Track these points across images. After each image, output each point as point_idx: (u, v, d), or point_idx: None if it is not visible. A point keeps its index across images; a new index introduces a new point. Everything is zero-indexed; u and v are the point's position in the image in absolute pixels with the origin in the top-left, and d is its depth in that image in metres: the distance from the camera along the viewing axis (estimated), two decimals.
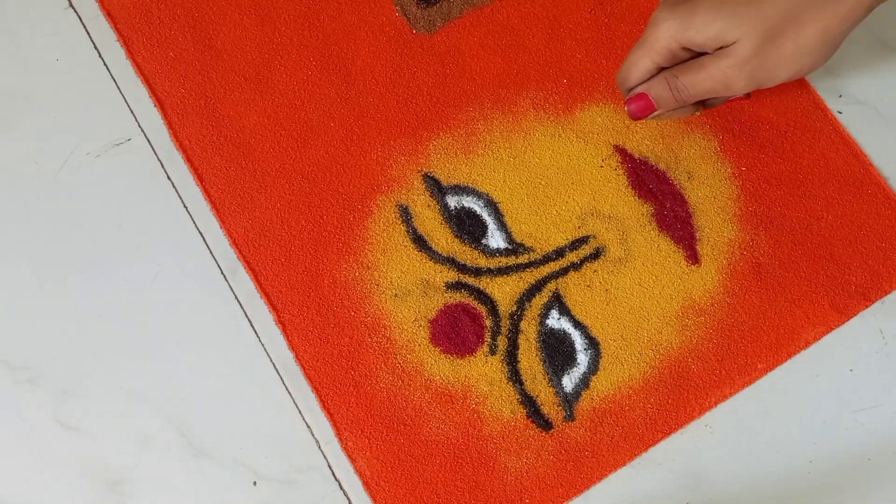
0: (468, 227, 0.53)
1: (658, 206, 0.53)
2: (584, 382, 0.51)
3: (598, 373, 0.51)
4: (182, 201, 0.53)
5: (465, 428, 0.50)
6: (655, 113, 0.47)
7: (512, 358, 0.51)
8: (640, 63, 0.46)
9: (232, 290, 0.52)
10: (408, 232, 0.53)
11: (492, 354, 0.51)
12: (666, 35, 0.44)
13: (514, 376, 0.51)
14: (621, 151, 0.54)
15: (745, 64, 0.43)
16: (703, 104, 0.48)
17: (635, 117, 0.48)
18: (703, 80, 0.44)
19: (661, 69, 0.46)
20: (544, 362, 0.51)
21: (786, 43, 0.42)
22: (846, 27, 0.42)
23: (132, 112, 0.54)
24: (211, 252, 0.52)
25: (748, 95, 0.48)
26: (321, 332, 0.51)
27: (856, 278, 0.53)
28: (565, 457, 0.50)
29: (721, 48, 0.43)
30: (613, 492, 0.50)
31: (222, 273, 0.52)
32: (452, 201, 0.53)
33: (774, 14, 0.42)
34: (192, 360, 0.51)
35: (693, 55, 0.45)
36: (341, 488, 0.49)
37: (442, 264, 0.52)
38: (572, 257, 0.53)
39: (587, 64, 0.56)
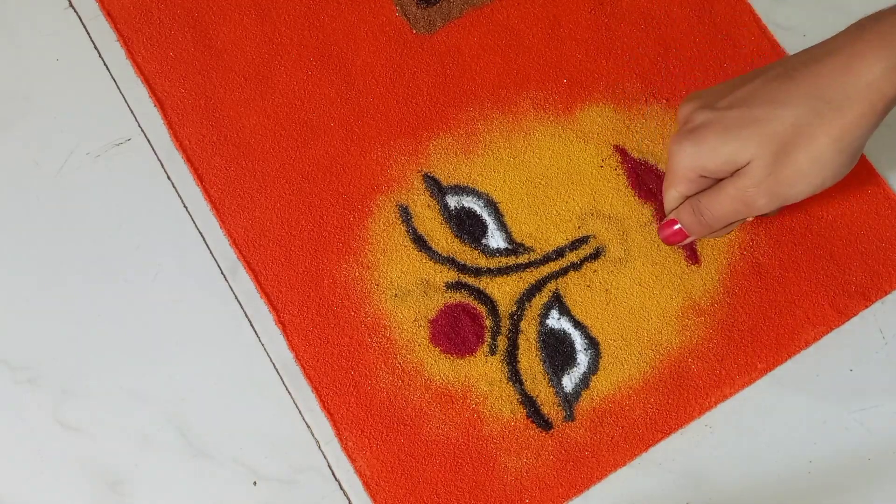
0: (468, 227, 0.53)
1: (658, 207, 0.53)
2: (584, 382, 0.51)
3: (598, 373, 0.51)
4: (182, 201, 0.53)
5: (465, 428, 0.50)
6: (691, 238, 0.48)
7: (512, 358, 0.51)
8: (668, 193, 0.47)
9: (232, 290, 0.52)
10: (408, 232, 0.53)
11: (492, 354, 0.51)
12: (681, 166, 0.45)
13: (514, 376, 0.51)
14: (621, 151, 0.54)
15: (761, 183, 0.42)
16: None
17: (668, 243, 0.50)
18: (724, 203, 0.44)
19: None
20: (544, 362, 0.51)
21: (799, 157, 0.41)
22: (860, 134, 0.40)
23: (132, 112, 0.54)
24: (211, 252, 0.52)
25: None
26: (321, 332, 0.51)
27: (856, 278, 0.53)
28: (565, 457, 0.50)
29: (737, 171, 0.43)
30: (613, 492, 0.50)
31: (222, 273, 0.52)
32: (452, 201, 0.53)
33: (781, 130, 0.41)
34: (192, 360, 0.51)
35: (715, 180, 0.45)
36: (341, 488, 0.49)
37: (442, 264, 0.52)
38: (572, 257, 0.53)
39: (587, 64, 0.56)
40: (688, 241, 0.48)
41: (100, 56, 0.55)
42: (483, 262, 0.52)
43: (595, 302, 0.52)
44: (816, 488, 0.50)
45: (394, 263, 0.52)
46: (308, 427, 0.50)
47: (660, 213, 0.53)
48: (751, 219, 0.48)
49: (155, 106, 0.54)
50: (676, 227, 0.48)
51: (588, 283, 0.52)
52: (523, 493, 0.49)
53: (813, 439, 0.51)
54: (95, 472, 0.49)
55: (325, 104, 0.55)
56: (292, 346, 0.51)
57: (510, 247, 0.53)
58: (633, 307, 0.52)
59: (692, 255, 0.53)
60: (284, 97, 0.55)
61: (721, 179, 0.45)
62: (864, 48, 0.40)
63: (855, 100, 0.40)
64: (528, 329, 0.51)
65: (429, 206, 0.53)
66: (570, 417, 0.50)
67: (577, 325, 0.51)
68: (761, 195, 0.43)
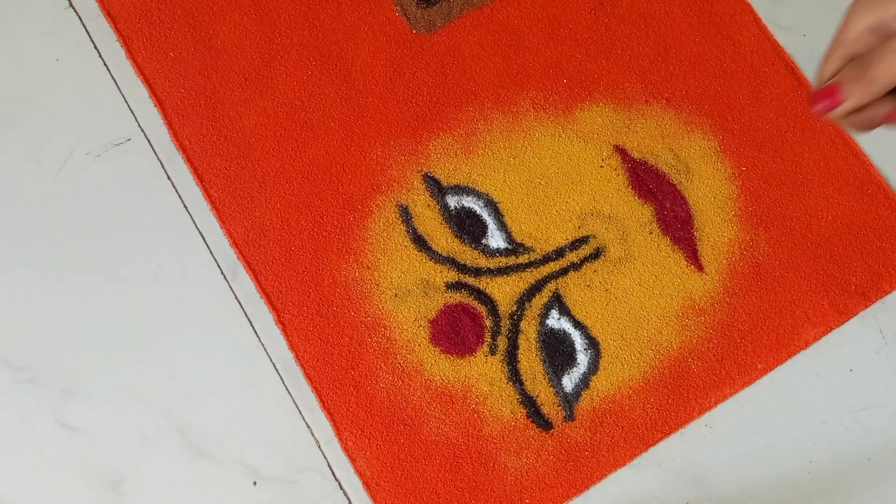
0: (468, 227, 0.53)
1: (658, 207, 0.53)
2: (584, 382, 0.51)
3: (598, 373, 0.51)
4: (182, 201, 0.53)
5: (465, 428, 0.50)
6: (843, 107, 0.44)
7: (512, 358, 0.51)
8: (833, 54, 0.44)
9: (232, 290, 0.52)
10: (408, 232, 0.53)
11: (492, 354, 0.51)
12: (857, 17, 0.42)
13: (514, 376, 0.51)
14: (621, 151, 0.54)
15: None
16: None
17: (819, 112, 0.45)
18: (891, 56, 0.40)
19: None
20: (544, 362, 0.51)
21: None
22: None
23: (132, 112, 0.54)
24: (211, 252, 0.52)
25: None
26: (321, 332, 0.51)
27: (856, 278, 0.53)
28: (565, 457, 0.50)
29: None
30: (613, 492, 0.50)
31: (222, 273, 0.52)
32: (452, 201, 0.53)
33: None
34: (193, 360, 0.51)
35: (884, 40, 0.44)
36: (341, 488, 0.49)
37: (442, 264, 0.52)
38: (572, 257, 0.53)
39: (587, 64, 0.56)
40: (840, 110, 0.45)
41: (100, 56, 0.55)
42: (483, 262, 0.52)
43: (595, 302, 0.52)
44: (816, 488, 0.50)
45: (394, 263, 0.52)
46: (308, 427, 0.50)
47: (659, 213, 0.53)
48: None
49: (155, 106, 0.54)
50: (833, 95, 0.45)
51: (588, 283, 0.52)
52: (523, 493, 0.49)
53: (813, 439, 0.51)
54: (95, 472, 0.49)
55: (325, 104, 0.55)
56: (292, 346, 0.51)
57: (510, 247, 0.53)
58: (633, 307, 0.52)
59: (692, 255, 0.53)
60: (284, 97, 0.55)
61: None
62: None
63: None
64: (528, 329, 0.51)
65: (429, 206, 0.53)
66: (570, 417, 0.50)
67: (577, 325, 0.51)
68: None
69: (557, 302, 0.52)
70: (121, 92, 0.55)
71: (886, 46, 0.43)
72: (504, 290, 0.52)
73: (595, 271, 0.52)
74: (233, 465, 0.49)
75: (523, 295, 0.52)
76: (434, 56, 0.56)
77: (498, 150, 0.54)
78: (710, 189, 0.54)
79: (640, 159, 0.54)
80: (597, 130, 0.55)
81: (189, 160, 0.53)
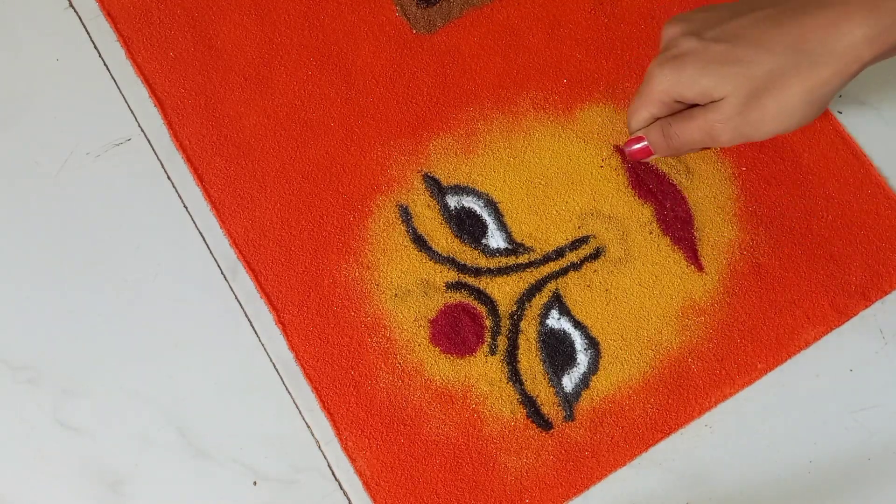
0: (468, 227, 0.53)
1: (658, 207, 0.53)
2: (584, 382, 0.51)
3: (598, 373, 0.51)
4: (182, 201, 0.53)
5: (465, 428, 0.50)
6: (653, 156, 0.50)
7: (512, 358, 0.51)
8: (639, 113, 0.49)
9: (232, 290, 0.52)
10: (408, 232, 0.53)
11: (492, 354, 0.51)
12: (658, 89, 0.47)
13: (514, 376, 0.51)
14: (621, 151, 0.54)
15: (730, 120, 0.44)
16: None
17: (633, 159, 0.51)
18: (692, 130, 0.46)
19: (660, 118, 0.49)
20: (544, 362, 0.51)
21: (769, 102, 0.43)
22: (829, 90, 0.43)
23: (132, 112, 0.54)
24: (211, 252, 0.52)
25: None
26: (321, 332, 0.51)
27: (856, 278, 0.53)
28: (565, 457, 0.50)
29: (711, 102, 0.45)
30: (613, 492, 0.50)
31: (222, 273, 0.52)
32: (452, 201, 0.53)
33: (759, 74, 0.43)
34: (193, 360, 0.51)
35: (687, 106, 0.47)
36: (341, 488, 0.49)
37: (442, 264, 0.52)
38: (572, 257, 0.53)
39: (587, 64, 0.56)
40: (650, 158, 0.50)
41: (100, 56, 0.55)
42: (483, 262, 0.52)
43: (595, 302, 0.52)
44: (816, 488, 0.50)
45: (394, 263, 0.52)
46: (308, 427, 0.50)
47: (659, 213, 0.53)
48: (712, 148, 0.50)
49: (155, 106, 0.54)
50: (644, 143, 0.49)
51: (588, 283, 0.52)
52: (523, 493, 0.49)
53: (813, 439, 0.51)
54: (95, 472, 0.49)
55: (325, 104, 0.55)
56: (292, 346, 0.51)
57: (510, 247, 0.53)
58: (633, 307, 0.52)
59: (692, 255, 0.53)
60: (284, 97, 0.55)
61: (691, 106, 0.47)
62: (853, 10, 0.42)
63: (832, 58, 0.42)
64: (528, 329, 0.51)
65: (429, 206, 0.53)
66: (570, 417, 0.50)
67: (577, 325, 0.51)
68: (727, 131, 0.45)
69: (557, 302, 0.52)
70: (121, 92, 0.55)
71: (687, 116, 0.48)
72: (504, 290, 0.52)
73: (595, 271, 0.52)
74: (232, 465, 0.49)
75: (523, 295, 0.52)
76: (434, 56, 0.56)
77: (498, 150, 0.54)
78: (710, 189, 0.54)
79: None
80: (597, 130, 0.55)
81: (189, 160, 0.53)
